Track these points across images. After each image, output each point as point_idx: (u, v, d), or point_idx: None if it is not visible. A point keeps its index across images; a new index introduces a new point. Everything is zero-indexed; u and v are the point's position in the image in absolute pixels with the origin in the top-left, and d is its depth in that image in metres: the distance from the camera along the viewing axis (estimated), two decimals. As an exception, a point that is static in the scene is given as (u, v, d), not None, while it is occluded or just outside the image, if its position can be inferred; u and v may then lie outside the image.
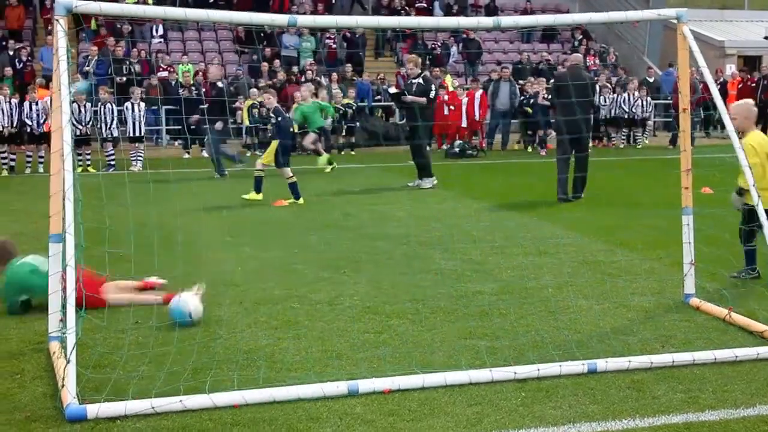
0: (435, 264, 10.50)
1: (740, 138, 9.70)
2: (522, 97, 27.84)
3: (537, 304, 8.77)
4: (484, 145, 27.58)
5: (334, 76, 29.24)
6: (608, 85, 29.51)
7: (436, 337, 7.81)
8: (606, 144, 28.98)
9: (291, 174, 15.78)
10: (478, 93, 27.80)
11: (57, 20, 7.06)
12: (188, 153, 25.53)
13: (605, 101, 28.92)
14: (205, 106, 20.10)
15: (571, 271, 10.29)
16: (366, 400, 6.41)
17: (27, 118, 22.00)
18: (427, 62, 31.57)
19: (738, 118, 9.76)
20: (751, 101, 10.36)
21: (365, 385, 6.56)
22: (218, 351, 7.34)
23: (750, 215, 9.40)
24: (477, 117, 27.57)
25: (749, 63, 37.95)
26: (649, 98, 29.63)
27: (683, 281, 9.03)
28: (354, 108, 27.29)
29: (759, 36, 42.08)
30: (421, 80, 18.12)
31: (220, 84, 21.15)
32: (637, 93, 29.30)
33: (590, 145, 16.92)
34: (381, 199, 16.33)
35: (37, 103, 21.87)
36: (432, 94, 18.27)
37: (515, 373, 6.83)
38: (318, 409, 6.24)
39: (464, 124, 27.39)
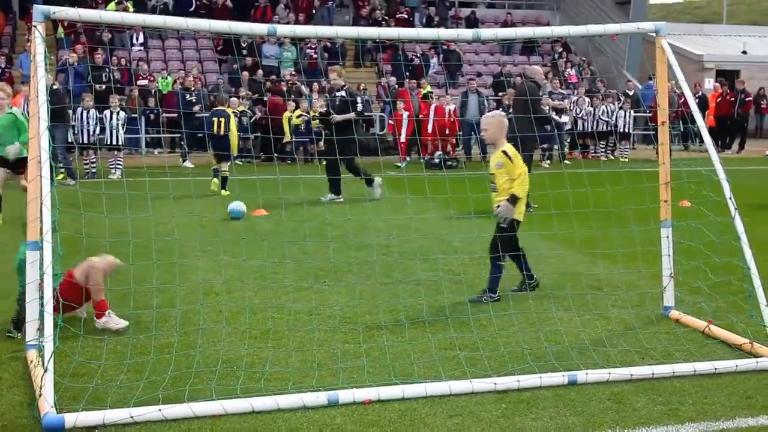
0: (415, 275, 10.48)
1: (493, 151, 9.68)
2: (501, 109, 27.93)
3: (517, 315, 8.76)
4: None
5: (315, 86, 29.26)
6: (563, 104, 28.88)
7: (416, 348, 7.79)
8: (584, 155, 29.06)
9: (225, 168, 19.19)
10: (433, 106, 27.58)
11: (35, 26, 7.02)
12: (185, 160, 25.44)
13: (580, 112, 29.05)
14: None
15: (552, 282, 10.30)
16: (346, 410, 6.38)
17: None
18: (407, 74, 31.62)
19: (489, 130, 9.64)
20: (502, 114, 10.22)
21: (345, 395, 6.53)
22: (197, 360, 7.29)
23: (509, 226, 9.56)
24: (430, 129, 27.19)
25: (728, 77, 38.22)
26: (631, 111, 29.80)
27: (663, 294, 9.06)
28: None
29: (737, 50, 42.45)
30: (344, 93, 17.75)
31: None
32: (614, 105, 29.45)
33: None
34: (361, 208, 16.31)
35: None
36: (359, 107, 17.95)
37: (495, 384, 6.83)
38: (298, 419, 6.21)
39: (402, 138, 27.07)
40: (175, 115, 26.64)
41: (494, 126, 9.64)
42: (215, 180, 19.19)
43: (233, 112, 21.09)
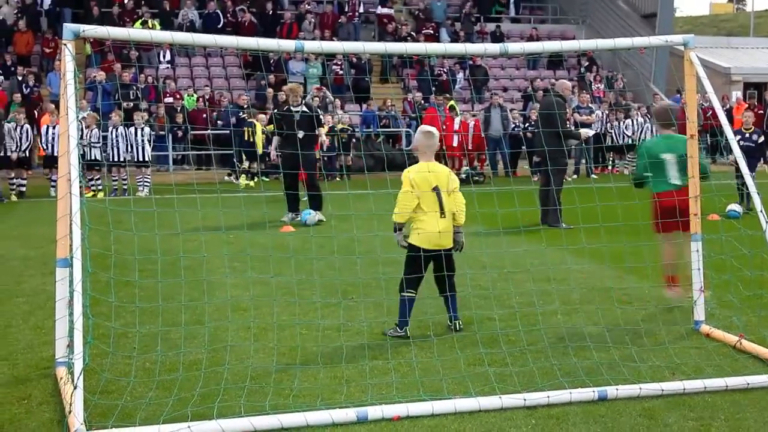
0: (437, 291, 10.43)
1: None
2: (528, 124, 27.85)
3: (546, 330, 8.71)
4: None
5: (338, 102, 29.34)
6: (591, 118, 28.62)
7: (445, 364, 7.76)
8: (610, 170, 28.97)
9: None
10: (458, 120, 27.33)
11: (65, 44, 7.06)
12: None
13: (611, 128, 28.98)
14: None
15: (581, 297, 10.24)
16: (375, 427, 6.37)
17: (45, 142, 22.31)
18: (433, 89, 31.64)
19: (418, 148, 9.05)
20: (423, 130, 9.18)
21: (374, 411, 6.51)
22: (226, 377, 7.29)
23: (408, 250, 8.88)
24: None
25: (756, 90, 37.98)
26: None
27: (693, 308, 8.98)
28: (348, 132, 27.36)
29: (765, 63, 42.19)
30: (304, 108, 17.10)
31: None
32: (641, 119, 29.31)
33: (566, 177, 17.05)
34: (389, 224, 16.28)
35: (54, 127, 21.97)
36: (323, 121, 17.71)
37: (525, 400, 6.79)
38: (327, 436, 6.20)
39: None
40: (204, 132, 26.88)
41: (416, 144, 9.18)
42: (243, 176, 24.61)
43: (262, 128, 24.06)
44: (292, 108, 16.96)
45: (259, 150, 24.28)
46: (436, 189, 8.80)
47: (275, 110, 19.48)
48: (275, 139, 17.65)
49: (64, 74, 7.14)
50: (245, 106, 26.70)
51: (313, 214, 16.74)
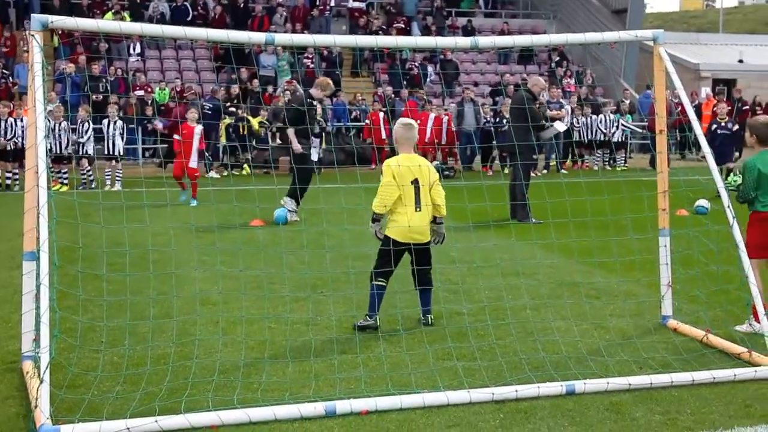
0: (413, 285, 10.43)
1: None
2: (498, 119, 27.87)
3: (515, 325, 8.74)
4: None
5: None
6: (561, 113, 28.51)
7: (413, 358, 7.77)
8: (580, 165, 29.07)
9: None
10: (432, 115, 27.27)
11: (33, 35, 7.00)
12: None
13: (577, 123, 29.04)
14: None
15: (549, 292, 10.28)
16: (343, 421, 6.36)
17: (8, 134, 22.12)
18: (404, 83, 31.61)
19: (398, 141, 8.96)
20: (402, 123, 9.04)
21: (342, 406, 6.51)
22: (194, 371, 7.26)
23: (382, 241, 8.82)
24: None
25: (724, 86, 38.21)
26: (628, 119, 29.77)
27: (661, 303, 9.04)
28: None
29: (733, 59, 42.49)
30: (318, 104, 17.03)
31: None
32: (612, 116, 29.39)
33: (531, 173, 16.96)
34: (359, 218, 16.24)
35: (21, 120, 21.79)
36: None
37: (493, 394, 6.81)
38: (295, 430, 6.20)
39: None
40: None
41: (395, 136, 9.12)
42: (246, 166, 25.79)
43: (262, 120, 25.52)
44: (314, 102, 16.56)
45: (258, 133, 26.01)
46: (415, 182, 8.78)
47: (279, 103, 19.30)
48: (290, 131, 16.88)
49: (32, 65, 7.08)
50: (220, 100, 26.64)
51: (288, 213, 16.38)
